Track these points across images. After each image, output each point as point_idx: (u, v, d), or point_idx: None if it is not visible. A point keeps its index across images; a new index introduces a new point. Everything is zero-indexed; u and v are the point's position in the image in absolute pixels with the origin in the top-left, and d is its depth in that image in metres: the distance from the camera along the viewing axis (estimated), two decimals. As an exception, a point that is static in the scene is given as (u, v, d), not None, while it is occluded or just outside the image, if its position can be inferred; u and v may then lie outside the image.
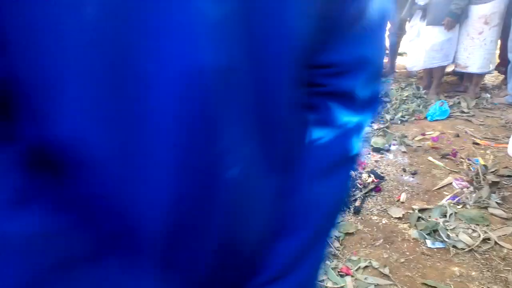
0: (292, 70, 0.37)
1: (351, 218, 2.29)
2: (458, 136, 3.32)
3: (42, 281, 0.31)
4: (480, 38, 3.80)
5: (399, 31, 5.08)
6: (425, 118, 3.74)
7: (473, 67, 3.92)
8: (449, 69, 4.64)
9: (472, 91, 4.12)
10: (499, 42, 4.09)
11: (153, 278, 0.38)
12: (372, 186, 2.59)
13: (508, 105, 3.80)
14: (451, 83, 4.75)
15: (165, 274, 0.38)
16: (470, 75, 4.13)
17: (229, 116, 0.33)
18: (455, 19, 3.80)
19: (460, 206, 2.34)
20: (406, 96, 4.15)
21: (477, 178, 2.58)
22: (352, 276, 1.82)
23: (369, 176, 2.70)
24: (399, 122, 3.68)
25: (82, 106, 0.30)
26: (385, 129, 3.51)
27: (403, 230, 2.17)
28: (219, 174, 0.35)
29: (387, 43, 5.12)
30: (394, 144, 3.23)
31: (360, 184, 2.61)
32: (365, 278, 1.80)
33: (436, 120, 3.66)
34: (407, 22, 4.75)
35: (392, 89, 4.46)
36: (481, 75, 4.09)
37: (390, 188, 2.62)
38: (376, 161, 2.98)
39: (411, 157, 3.04)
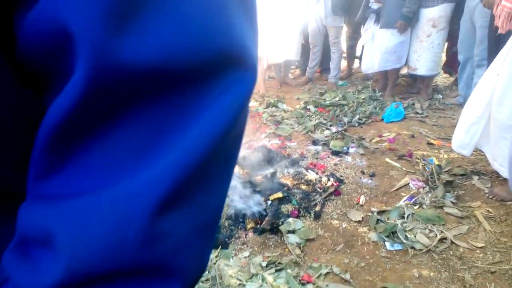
0: None
1: (311, 224, 2.26)
2: (413, 137, 3.40)
3: None
4: (428, 40, 3.92)
5: (355, 35, 5.17)
6: (382, 120, 3.81)
7: (422, 70, 4.04)
8: (404, 71, 4.77)
9: (424, 93, 4.25)
10: (446, 45, 4.25)
11: None
12: (331, 190, 2.58)
13: (459, 105, 3.93)
14: (405, 84, 4.88)
15: None
16: (422, 77, 4.25)
17: None
18: (408, 22, 3.90)
19: (417, 207, 2.37)
20: (363, 99, 4.21)
21: (432, 178, 2.63)
22: (314, 284, 1.78)
23: (329, 180, 2.69)
24: (356, 124, 3.73)
25: None
26: (343, 132, 3.53)
27: (363, 234, 2.17)
28: None
29: (343, 46, 5.20)
30: (352, 147, 3.25)
31: (320, 188, 2.60)
32: (327, 285, 1.77)
33: (392, 121, 3.73)
34: (361, 26, 4.84)
35: (349, 92, 4.52)
36: (430, 77, 4.23)
37: (349, 191, 2.62)
38: (335, 164, 2.99)
39: (369, 159, 3.07)
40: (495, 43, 3.11)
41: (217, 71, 0.28)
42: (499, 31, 2.37)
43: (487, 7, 3.01)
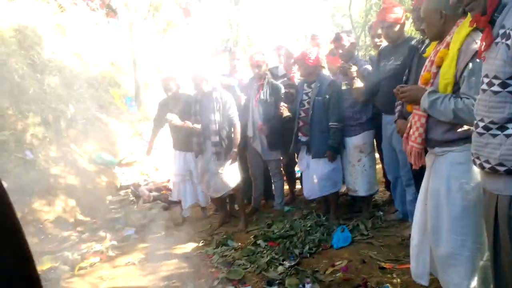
0: None
1: None
2: (364, 262, 3.43)
3: None
4: (360, 164, 4.24)
5: (292, 162, 5.46)
6: (331, 246, 3.84)
7: (361, 191, 4.28)
8: (343, 189, 4.99)
9: (366, 211, 4.43)
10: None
11: None
12: None
13: (400, 220, 4.11)
14: (347, 204, 5.07)
15: None
16: (362, 197, 4.46)
17: None
18: (335, 151, 4.22)
19: None
20: (310, 226, 4.27)
21: (391, 310, 2.60)
22: None
23: (290, 329, 2.56)
24: (308, 255, 3.72)
25: None
26: (296, 266, 3.49)
27: None
28: None
29: (283, 172, 5.42)
30: (307, 283, 3.19)
31: None
32: None
33: (342, 247, 3.77)
34: (295, 155, 5.15)
35: (295, 219, 4.57)
36: (369, 196, 4.46)
37: None
38: (294, 308, 2.88)
39: (326, 295, 3.00)
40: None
41: None
42: (413, 167, 2.57)
43: (400, 135, 3.34)
